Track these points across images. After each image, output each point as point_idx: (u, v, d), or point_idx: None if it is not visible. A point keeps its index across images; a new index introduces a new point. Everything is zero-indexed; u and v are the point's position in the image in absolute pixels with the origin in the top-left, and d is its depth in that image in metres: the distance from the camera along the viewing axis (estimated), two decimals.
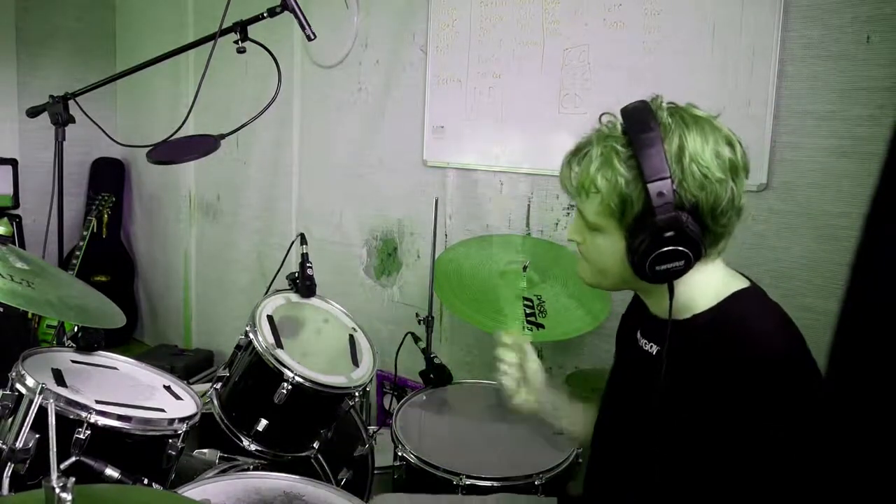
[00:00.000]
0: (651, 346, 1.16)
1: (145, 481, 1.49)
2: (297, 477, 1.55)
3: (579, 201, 1.11)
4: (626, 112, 1.06)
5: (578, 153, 1.10)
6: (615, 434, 1.23)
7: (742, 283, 1.10)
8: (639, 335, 1.20)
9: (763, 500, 1.00)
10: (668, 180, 0.99)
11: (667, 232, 1.00)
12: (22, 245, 3.74)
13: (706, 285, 1.08)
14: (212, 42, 1.97)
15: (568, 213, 2.34)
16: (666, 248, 1.01)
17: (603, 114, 1.10)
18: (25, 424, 1.38)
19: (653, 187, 0.99)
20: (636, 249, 1.03)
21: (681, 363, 1.06)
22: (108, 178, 4.25)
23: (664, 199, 0.99)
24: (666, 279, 1.04)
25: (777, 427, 0.98)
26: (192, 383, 1.96)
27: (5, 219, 3.71)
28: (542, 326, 1.94)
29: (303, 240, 2.14)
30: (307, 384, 1.72)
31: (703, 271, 1.08)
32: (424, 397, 2.03)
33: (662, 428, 1.05)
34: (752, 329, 1.03)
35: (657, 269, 1.02)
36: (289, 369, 1.72)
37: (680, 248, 1.01)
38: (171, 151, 2.06)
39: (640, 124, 1.02)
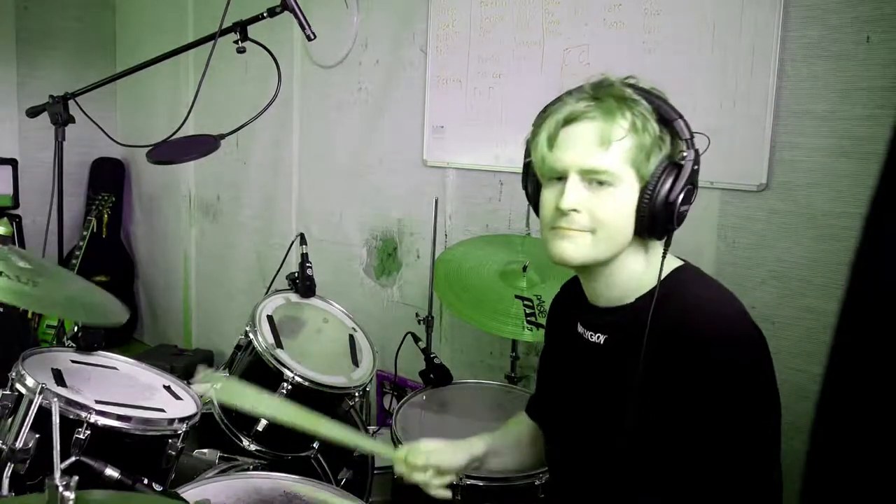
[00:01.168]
0: (597, 336, 1.15)
1: (145, 481, 1.49)
2: (297, 477, 1.55)
3: (594, 154, 1.04)
4: (603, 77, 1.09)
5: (585, 110, 1.05)
6: (574, 429, 1.21)
7: (676, 261, 1.13)
8: (580, 327, 1.19)
9: (741, 465, 1.01)
10: (682, 121, 1.05)
11: (696, 165, 1.04)
12: (22, 245, 3.74)
13: (651, 266, 1.10)
14: (212, 42, 1.97)
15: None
16: (690, 186, 1.04)
17: (565, 92, 1.12)
18: (25, 424, 1.38)
19: (678, 125, 1.04)
20: (663, 192, 1.03)
21: (632, 346, 1.06)
22: (108, 178, 4.25)
23: (686, 135, 1.04)
24: (677, 225, 1.05)
25: (742, 390, 1.01)
26: (192, 383, 1.96)
27: (5, 219, 3.71)
28: (542, 326, 1.94)
29: (303, 240, 2.14)
30: (307, 384, 1.72)
31: (651, 257, 1.11)
32: (424, 397, 2.03)
33: (629, 414, 1.05)
34: (698, 298, 1.06)
35: (682, 210, 1.04)
36: (289, 369, 1.72)
37: (693, 186, 1.05)
38: (171, 151, 2.07)
39: (630, 84, 1.08)
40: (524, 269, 2.08)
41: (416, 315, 2.34)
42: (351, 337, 1.99)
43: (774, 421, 1.05)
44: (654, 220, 1.05)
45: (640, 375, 1.05)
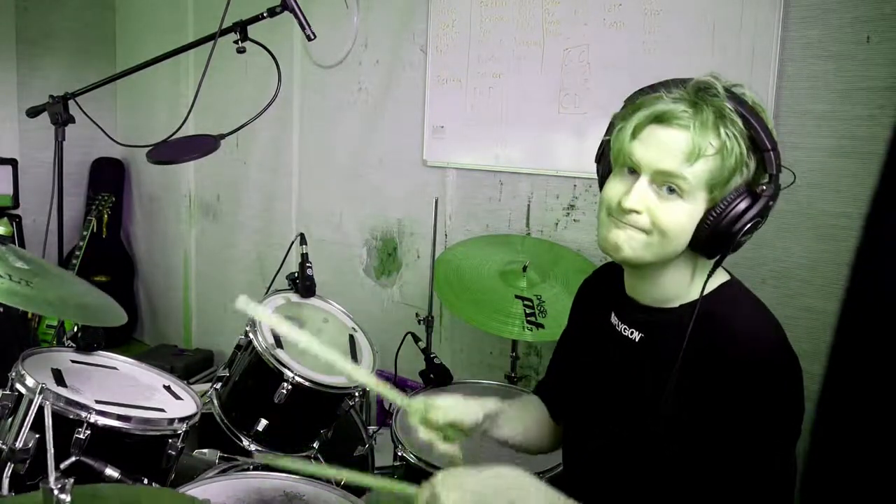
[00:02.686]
0: (633, 333, 1.13)
1: (145, 481, 1.49)
2: (296, 477, 1.55)
3: (678, 165, 1.00)
4: (709, 81, 1.04)
5: (680, 116, 1.00)
6: (595, 420, 1.20)
7: (724, 276, 1.13)
8: (614, 318, 1.17)
9: (761, 479, 1.01)
10: (777, 152, 1.03)
11: (771, 202, 1.03)
12: (22, 245, 3.74)
13: (697, 278, 1.09)
14: (212, 42, 1.97)
15: (568, 213, 2.33)
16: (759, 219, 1.03)
17: (667, 82, 1.07)
18: (25, 424, 1.38)
19: (769, 157, 1.02)
20: (729, 218, 1.01)
21: (669, 351, 1.05)
22: (108, 178, 4.25)
23: (772, 169, 1.03)
24: (733, 251, 1.05)
25: (770, 419, 1.00)
26: (192, 383, 1.96)
27: (5, 219, 3.71)
28: (542, 326, 1.95)
29: (303, 240, 2.14)
30: (307, 384, 1.72)
31: (700, 270, 1.09)
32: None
33: (659, 417, 1.05)
34: (744, 320, 1.06)
35: (742, 239, 1.03)
36: (289, 369, 1.72)
37: (761, 219, 1.04)
38: (171, 151, 2.07)
39: (735, 95, 1.03)
40: (524, 269, 2.08)
41: (416, 315, 2.34)
42: (351, 337, 1.99)
43: (792, 447, 1.04)
44: (713, 242, 1.04)
45: (673, 385, 1.04)
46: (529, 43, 2.37)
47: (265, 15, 1.99)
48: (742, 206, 1.01)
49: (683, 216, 1.02)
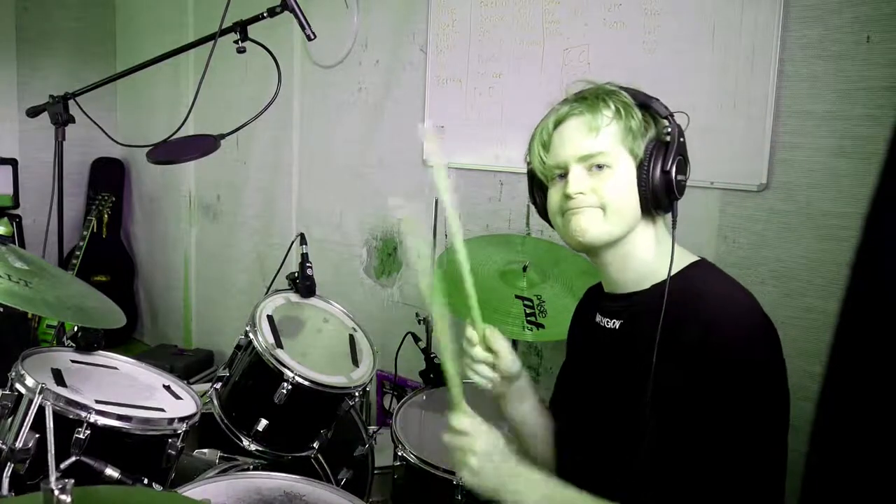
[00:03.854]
0: (613, 322, 1.19)
1: (145, 481, 1.49)
2: (297, 477, 1.55)
3: (585, 143, 1.12)
4: (583, 83, 1.19)
5: (571, 111, 1.15)
6: (585, 414, 1.23)
7: (692, 256, 1.18)
8: (598, 317, 1.24)
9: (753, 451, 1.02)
10: (657, 101, 1.15)
11: (681, 137, 1.13)
12: (22, 245, 3.74)
13: (665, 255, 1.13)
14: (212, 42, 1.97)
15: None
16: (680, 157, 1.12)
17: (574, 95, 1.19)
18: (25, 424, 1.38)
19: (657, 104, 1.14)
20: (656, 167, 1.11)
21: (645, 333, 1.08)
22: (108, 178, 4.25)
23: (665, 112, 1.14)
24: (679, 195, 1.13)
25: (754, 381, 1.02)
26: (192, 383, 1.96)
27: (5, 219, 3.72)
28: (542, 326, 1.94)
29: (303, 240, 2.14)
30: (307, 384, 1.72)
31: (662, 241, 1.16)
32: (424, 397, 2.03)
33: (644, 396, 1.06)
34: (718, 292, 1.10)
35: (679, 179, 1.11)
36: (289, 369, 1.72)
37: (684, 157, 1.13)
38: (171, 151, 2.07)
39: (608, 83, 1.17)
40: (524, 269, 2.08)
41: (416, 315, 2.34)
42: (351, 337, 1.99)
43: (783, 412, 1.06)
44: (655, 194, 1.12)
45: (654, 357, 1.06)
46: (529, 43, 2.37)
47: (265, 15, 1.99)
48: (661, 154, 1.12)
49: (621, 183, 1.12)
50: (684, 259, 1.15)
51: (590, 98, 1.14)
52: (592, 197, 1.13)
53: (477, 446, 1.10)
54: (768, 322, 1.07)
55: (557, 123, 1.16)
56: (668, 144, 1.13)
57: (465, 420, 1.14)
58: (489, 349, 1.26)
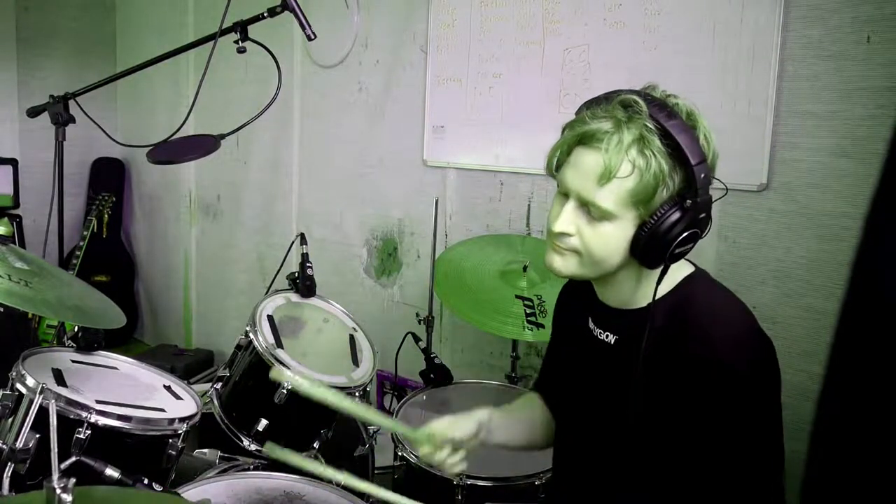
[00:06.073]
0: (607, 336, 1.16)
1: (145, 481, 1.49)
2: (297, 477, 1.55)
3: (592, 189, 1.02)
4: (643, 96, 1.04)
5: (600, 137, 1.02)
6: (582, 426, 1.23)
7: (689, 268, 1.14)
8: (591, 324, 1.20)
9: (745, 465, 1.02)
10: (705, 164, 1.01)
11: (702, 213, 1.02)
12: (22, 245, 3.74)
13: (650, 280, 1.10)
14: (212, 42, 1.97)
15: None
16: (691, 231, 1.02)
17: (600, 98, 1.08)
18: (26, 424, 1.38)
19: (698, 169, 1.00)
20: (660, 233, 1.02)
21: (640, 350, 1.07)
22: (108, 178, 4.25)
23: (705, 181, 1.01)
24: (672, 262, 1.05)
25: (746, 397, 1.02)
26: (192, 383, 1.96)
27: (5, 219, 3.71)
28: (542, 326, 1.94)
29: (303, 240, 2.14)
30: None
31: (648, 273, 1.11)
32: (424, 397, 2.03)
33: (636, 415, 1.07)
34: (710, 306, 1.07)
35: (677, 252, 1.03)
36: (289, 369, 1.71)
37: (697, 231, 1.04)
38: (171, 151, 2.07)
39: (665, 108, 1.02)
40: (524, 268, 2.08)
41: (417, 315, 2.34)
42: (351, 337, 1.99)
43: (776, 428, 1.06)
44: (648, 256, 1.05)
45: (641, 377, 1.06)
46: (529, 43, 2.37)
47: (265, 15, 1.99)
48: (671, 219, 1.02)
49: (611, 238, 1.05)
50: (680, 271, 1.11)
51: (624, 131, 1.00)
52: (576, 240, 1.07)
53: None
54: (762, 335, 1.06)
55: (580, 141, 1.05)
56: (684, 213, 1.01)
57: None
58: (443, 445, 1.22)
